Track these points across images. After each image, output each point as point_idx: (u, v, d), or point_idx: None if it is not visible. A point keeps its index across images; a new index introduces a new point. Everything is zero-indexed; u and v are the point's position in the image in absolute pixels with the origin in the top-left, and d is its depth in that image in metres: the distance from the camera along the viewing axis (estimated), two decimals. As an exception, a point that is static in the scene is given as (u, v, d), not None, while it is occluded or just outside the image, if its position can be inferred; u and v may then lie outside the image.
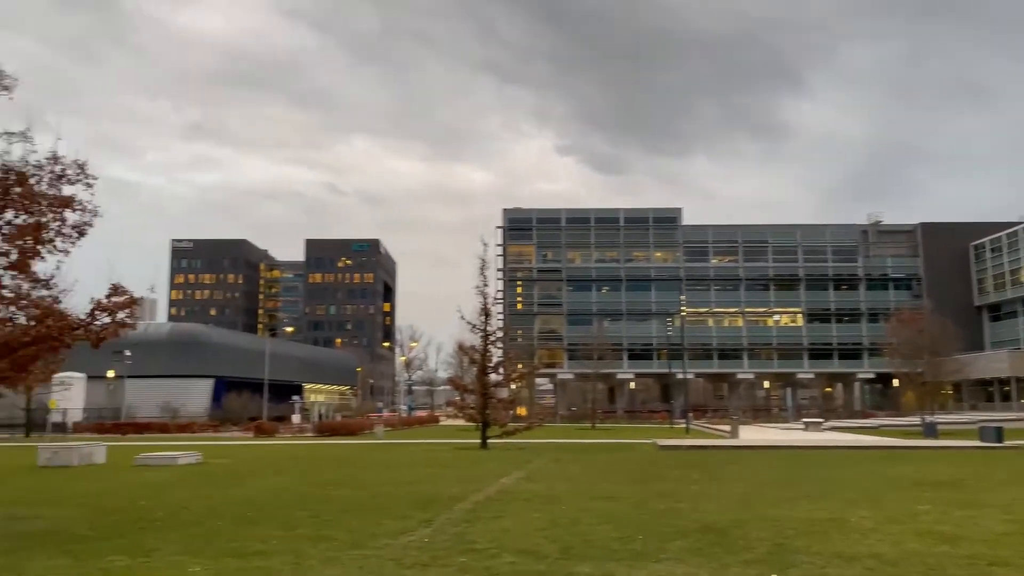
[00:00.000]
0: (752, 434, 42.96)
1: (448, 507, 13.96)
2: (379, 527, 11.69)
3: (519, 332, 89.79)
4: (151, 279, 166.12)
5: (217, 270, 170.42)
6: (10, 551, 9.93)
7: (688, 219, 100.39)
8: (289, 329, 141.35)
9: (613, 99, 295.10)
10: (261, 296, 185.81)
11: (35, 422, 52.67)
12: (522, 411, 62.11)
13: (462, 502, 14.70)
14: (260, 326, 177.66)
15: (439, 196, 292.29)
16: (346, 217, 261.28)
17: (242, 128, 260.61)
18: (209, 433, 53.36)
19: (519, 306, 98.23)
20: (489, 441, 33.90)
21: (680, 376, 68.85)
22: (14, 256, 12.47)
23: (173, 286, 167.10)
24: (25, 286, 12.75)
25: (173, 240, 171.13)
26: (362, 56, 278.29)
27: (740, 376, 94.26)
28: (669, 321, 76.31)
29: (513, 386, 42.44)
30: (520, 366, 41.99)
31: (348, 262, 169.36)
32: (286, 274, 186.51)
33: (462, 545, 10.16)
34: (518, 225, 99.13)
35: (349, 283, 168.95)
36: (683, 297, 74.65)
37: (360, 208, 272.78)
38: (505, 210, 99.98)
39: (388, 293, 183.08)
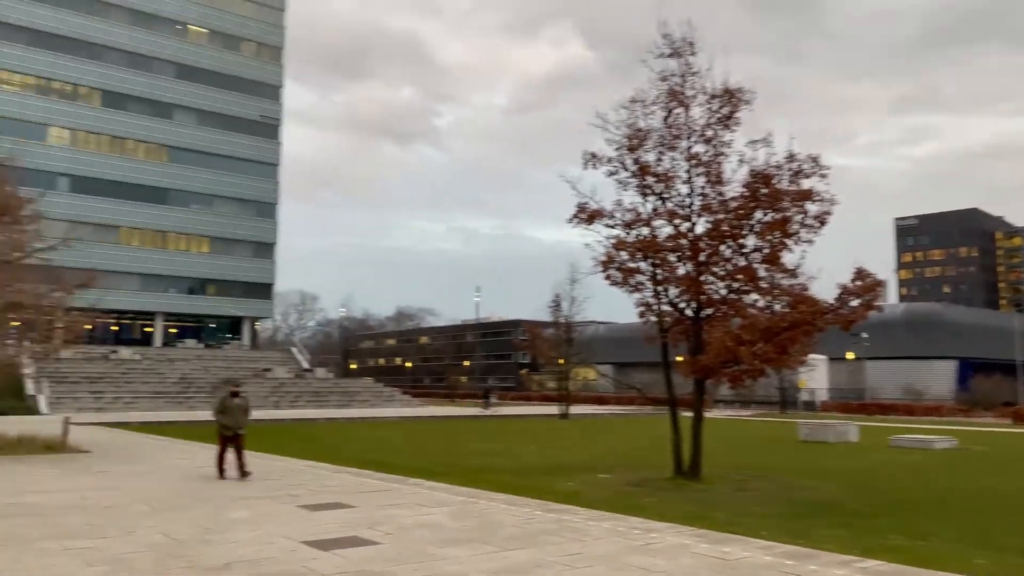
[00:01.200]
0: None
1: None
2: None
3: None
4: (881, 261, 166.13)
5: (946, 244, 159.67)
6: (793, 516, 11.03)
7: None
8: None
9: None
10: (1000, 268, 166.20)
11: (786, 400, 58.09)
12: None
13: None
14: (1003, 300, 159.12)
15: None
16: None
17: (956, 89, 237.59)
18: (958, 417, 50.02)
19: None
20: None
21: None
22: (766, 250, 14.02)
23: (901, 265, 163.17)
24: (777, 276, 14.18)
25: (896, 219, 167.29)
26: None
27: None
28: None
29: None
30: None
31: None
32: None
33: None
34: None
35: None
36: None
37: None
38: None
39: None
